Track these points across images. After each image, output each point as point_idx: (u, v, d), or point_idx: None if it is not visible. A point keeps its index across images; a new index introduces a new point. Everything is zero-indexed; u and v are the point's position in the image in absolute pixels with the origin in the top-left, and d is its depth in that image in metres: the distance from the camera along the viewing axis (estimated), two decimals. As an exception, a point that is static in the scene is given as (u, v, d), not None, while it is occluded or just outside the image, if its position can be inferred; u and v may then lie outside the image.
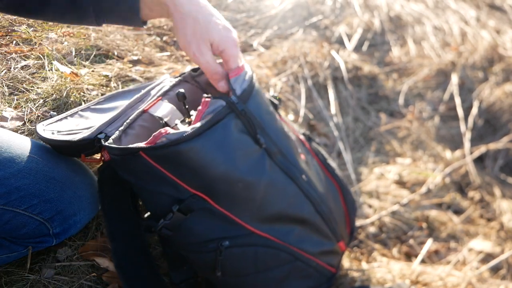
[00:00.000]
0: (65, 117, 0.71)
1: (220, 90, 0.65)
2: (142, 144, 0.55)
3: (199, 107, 0.58)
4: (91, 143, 0.61)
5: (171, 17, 0.62)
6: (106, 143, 0.58)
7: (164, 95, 0.68)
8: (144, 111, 0.64)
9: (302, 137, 0.82)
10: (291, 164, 0.67)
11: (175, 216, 0.59)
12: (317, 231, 0.72)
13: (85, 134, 0.62)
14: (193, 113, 0.68)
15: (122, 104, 0.74)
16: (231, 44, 0.62)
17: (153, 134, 0.54)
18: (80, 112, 0.73)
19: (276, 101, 0.78)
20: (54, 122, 0.70)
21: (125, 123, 0.62)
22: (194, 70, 0.75)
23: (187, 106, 0.66)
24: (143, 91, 0.70)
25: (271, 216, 0.65)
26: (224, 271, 0.65)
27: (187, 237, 0.64)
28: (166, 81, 0.74)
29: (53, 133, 0.66)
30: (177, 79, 0.72)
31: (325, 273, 0.75)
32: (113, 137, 0.59)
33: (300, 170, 0.69)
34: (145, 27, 0.67)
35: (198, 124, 0.55)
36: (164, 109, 0.66)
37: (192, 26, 0.60)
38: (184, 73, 0.75)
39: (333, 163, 0.84)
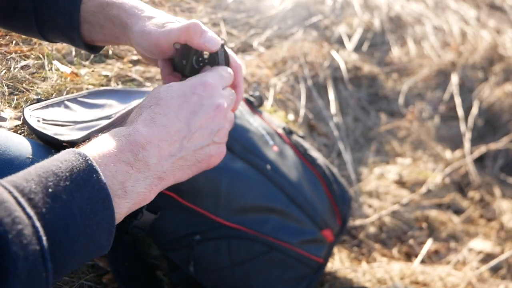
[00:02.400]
0: (51, 105, 0.72)
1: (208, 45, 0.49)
2: None
3: None
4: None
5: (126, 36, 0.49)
6: None
7: None
8: None
9: (280, 130, 0.83)
10: (253, 155, 0.70)
11: (145, 215, 0.60)
12: (295, 220, 0.72)
13: (73, 136, 0.63)
14: None
15: (109, 103, 0.75)
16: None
17: None
18: (66, 102, 0.74)
19: (252, 99, 0.81)
20: (40, 108, 0.71)
21: None
22: None
23: None
24: (133, 103, 0.71)
25: (241, 207, 0.67)
26: (199, 266, 0.66)
27: (161, 235, 0.65)
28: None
29: (38, 121, 0.67)
30: None
31: (309, 264, 0.74)
32: None
33: (264, 160, 0.71)
34: (96, 54, 0.56)
35: None
36: None
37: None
38: None
39: (315, 154, 0.84)
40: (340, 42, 1.69)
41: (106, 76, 0.98)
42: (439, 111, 1.58)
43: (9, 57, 0.92)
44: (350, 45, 1.69)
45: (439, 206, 1.19)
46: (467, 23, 2.13)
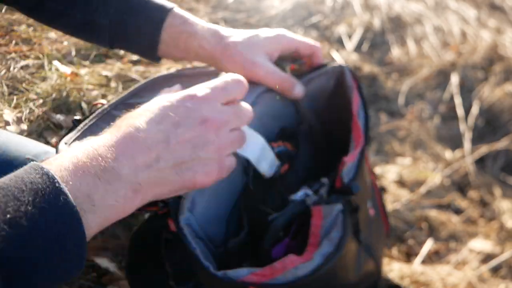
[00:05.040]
0: (95, 123, 0.53)
1: (297, 96, 0.60)
2: (252, 276, 0.42)
3: (313, 220, 0.47)
4: None
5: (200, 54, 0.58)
6: (201, 259, 0.44)
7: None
8: None
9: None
10: (371, 249, 0.59)
11: None
12: None
13: None
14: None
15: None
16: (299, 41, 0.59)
17: (272, 265, 0.43)
18: (113, 112, 0.55)
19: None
20: (81, 132, 0.51)
21: None
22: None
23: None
24: None
25: None
26: None
27: None
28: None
29: None
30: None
31: None
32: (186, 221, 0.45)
33: (373, 249, 0.60)
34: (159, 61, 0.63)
35: (325, 249, 0.45)
36: (254, 146, 0.52)
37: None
38: None
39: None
40: (340, 42, 1.69)
41: (106, 76, 0.98)
42: (439, 111, 1.58)
43: (8, 57, 0.92)
44: (350, 45, 1.69)
45: (439, 206, 1.19)
46: (467, 23, 2.12)
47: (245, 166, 0.56)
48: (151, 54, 0.59)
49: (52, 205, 0.30)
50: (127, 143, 0.36)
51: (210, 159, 0.41)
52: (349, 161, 0.52)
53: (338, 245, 0.45)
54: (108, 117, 0.53)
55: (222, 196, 0.55)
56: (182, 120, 0.39)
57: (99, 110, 0.54)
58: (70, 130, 0.52)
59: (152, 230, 0.50)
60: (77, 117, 0.54)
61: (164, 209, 0.46)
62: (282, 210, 0.52)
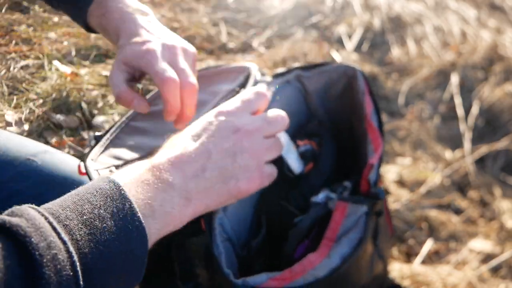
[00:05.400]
0: (117, 135, 0.54)
1: (140, 110, 0.48)
2: (271, 282, 0.42)
3: (334, 215, 0.47)
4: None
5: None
6: (230, 277, 0.42)
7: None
8: None
9: None
10: (381, 251, 0.59)
11: None
12: None
13: None
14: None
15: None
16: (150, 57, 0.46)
17: (292, 268, 0.43)
18: (131, 123, 0.57)
19: None
20: (104, 147, 0.53)
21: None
22: (304, 67, 0.62)
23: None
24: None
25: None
26: None
27: None
28: (252, 79, 0.59)
29: (111, 171, 0.50)
30: (276, 80, 0.58)
31: None
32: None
33: (383, 251, 0.61)
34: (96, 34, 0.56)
35: (343, 249, 0.45)
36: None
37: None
38: (289, 69, 0.61)
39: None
40: (340, 42, 1.69)
41: (106, 76, 0.98)
42: (439, 111, 1.58)
43: (9, 57, 0.92)
44: (350, 45, 1.69)
45: (439, 206, 1.19)
46: (467, 23, 2.12)
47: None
48: (81, 13, 0.54)
49: (119, 209, 0.34)
50: (175, 157, 0.40)
51: (249, 165, 0.43)
52: (373, 163, 0.52)
53: (356, 247, 0.45)
54: (127, 129, 0.55)
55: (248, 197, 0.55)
56: (217, 133, 0.43)
57: (118, 123, 0.56)
58: (93, 146, 0.53)
59: (164, 241, 0.51)
60: (98, 133, 0.55)
61: None
62: (306, 214, 0.53)
